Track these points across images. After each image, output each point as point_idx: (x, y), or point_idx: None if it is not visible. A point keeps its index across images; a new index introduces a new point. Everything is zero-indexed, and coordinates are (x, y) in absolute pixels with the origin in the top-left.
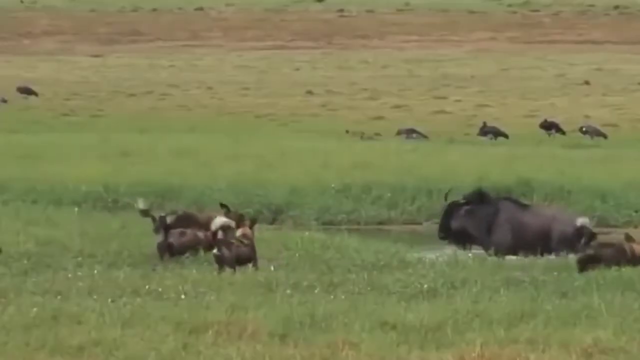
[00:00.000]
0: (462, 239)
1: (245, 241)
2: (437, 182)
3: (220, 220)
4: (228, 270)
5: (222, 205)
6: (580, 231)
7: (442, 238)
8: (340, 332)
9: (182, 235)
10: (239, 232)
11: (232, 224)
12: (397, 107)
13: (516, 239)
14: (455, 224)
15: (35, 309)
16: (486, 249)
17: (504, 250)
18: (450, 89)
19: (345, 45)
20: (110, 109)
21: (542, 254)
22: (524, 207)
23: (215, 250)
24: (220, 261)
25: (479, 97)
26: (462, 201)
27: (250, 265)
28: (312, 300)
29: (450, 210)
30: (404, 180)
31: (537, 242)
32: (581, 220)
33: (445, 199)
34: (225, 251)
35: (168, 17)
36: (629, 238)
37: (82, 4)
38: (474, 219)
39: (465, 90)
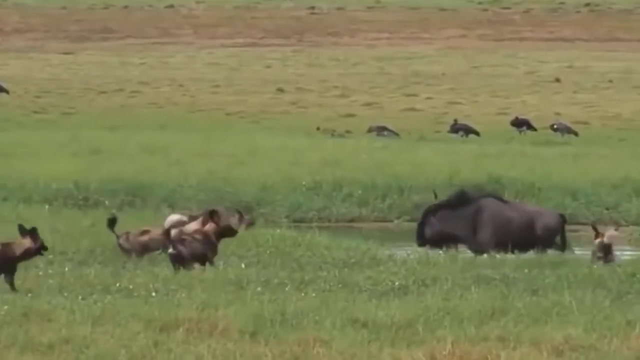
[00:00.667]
0: (443, 243)
1: (197, 236)
2: (408, 179)
3: (172, 217)
4: (197, 268)
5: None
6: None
7: (420, 245)
8: (311, 329)
9: None
10: (191, 227)
11: (185, 219)
12: (368, 104)
13: (500, 236)
14: (431, 230)
15: (6, 307)
16: (472, 248)
17: (490, 248)
18: (421, 86)
19: (316, 43)
20: (81, 107)
21: (526, 249)
22: (506, 203)
23: (170, 249)
24: (176, 260)
25: (449, 95)
26: (435, 205)
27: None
28: (283, 298)
29: (423, 217)
30: (375, 178)
31: (522, 237)
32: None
33: (435, 198)
34: (181, 249)
35: (139, 15)
36: (595, 229)
37: (52, 1)
38: (457, 220)
39: (436, 87)
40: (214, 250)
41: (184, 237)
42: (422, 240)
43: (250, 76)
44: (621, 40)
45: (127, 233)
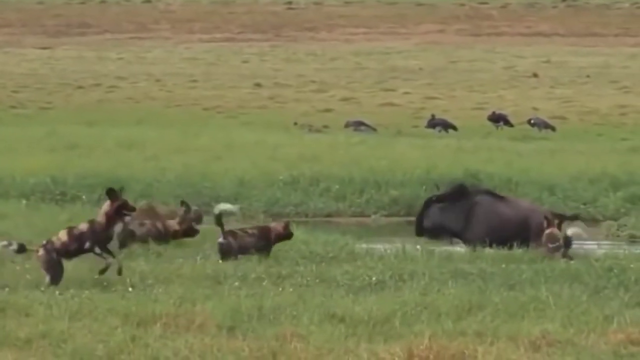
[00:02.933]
0: (440, 235)
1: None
2: (385, 174)
3: (223, 206)
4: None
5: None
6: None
7: (417, 235)
8: (289, 324)
9: None
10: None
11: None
12: (345, 99)
13: (492, 231)
14: (430, 221)
15: None
16: (466, 242)
17: (482, 243)
18: (399, 81)
19: (293, 38)
20: (58, 102)
21: (519, 246)
22: (501, 199)
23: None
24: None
25: (427, 90)
26: (436, 196)
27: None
28: (260, 293)
29: (423, 208)
30: (352, 173)
31: (516, 233)
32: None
33: (438, 189)
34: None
35: (116, 10)
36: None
37: None
38: (450, 214)
39: (413, 82)
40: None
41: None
42: (421, 230)
43: (228, 71)
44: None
45: None
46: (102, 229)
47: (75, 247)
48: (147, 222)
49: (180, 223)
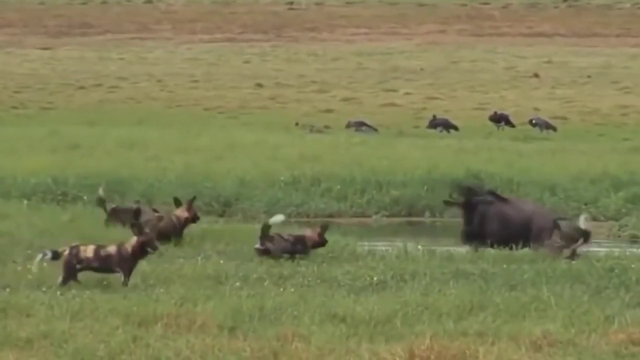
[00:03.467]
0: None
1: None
2: (387, 174)
3: (278, 218)
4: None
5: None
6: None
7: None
8: (290, 324)
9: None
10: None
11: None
12: (347, 99)
13: (502, 232)
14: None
15: None
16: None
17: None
18: (400, 81)
19: (294, 38)
20: (60, 102)
21: (523, 246)
22: (506, 200)
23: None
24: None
25: (428, 90)
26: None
27: None
28: (262, 293)
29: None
30: (354, 173)
31: (520, 234)
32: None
33: (460, 188)
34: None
35: (117, 10)
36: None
37: None
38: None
39: (414, 83)
40: None
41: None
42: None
43: (229, 71)
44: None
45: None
46: (128, 257)
47: (98, 265)
48: (164, 216)
49: (187, 210)
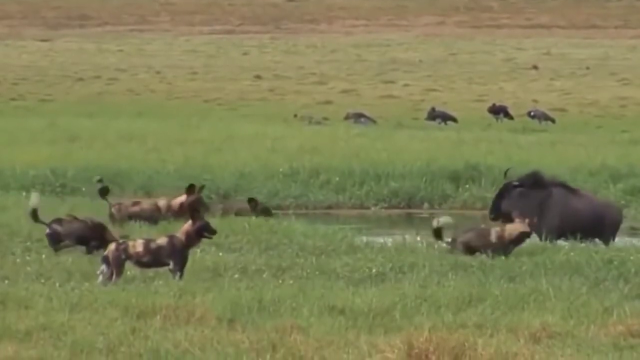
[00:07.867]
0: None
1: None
2: (385, 166)
3: (444, 219)
4: None
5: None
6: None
7: (493, 219)
8: (289, 316)
9: None
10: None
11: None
12: (345, 91)
13: (565, 224)
14: (508, 205)
15: None
16: (537, 232)
17: (554, 234)
18: (399, 73)
19: (293, 30)
20: (59, 94)
21: (592, 239)
22: (574, 192)
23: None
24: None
25: (427, 82)
26: (515, 183)
27: None
28: (260, 285)
29: (503, 191)
30: (352, 165)
31: (587, 227)
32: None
33: (505, 176)
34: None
35: (116, 2)
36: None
37: None
38: (526, 202)
39: (413, 74)
40: None
41: None
42: (497, 212)
43: (228, 63)
44: (598, 27)
45: (120, 204)
46: (182, 246)
47: (149, 259)
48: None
49: (188, 195)
